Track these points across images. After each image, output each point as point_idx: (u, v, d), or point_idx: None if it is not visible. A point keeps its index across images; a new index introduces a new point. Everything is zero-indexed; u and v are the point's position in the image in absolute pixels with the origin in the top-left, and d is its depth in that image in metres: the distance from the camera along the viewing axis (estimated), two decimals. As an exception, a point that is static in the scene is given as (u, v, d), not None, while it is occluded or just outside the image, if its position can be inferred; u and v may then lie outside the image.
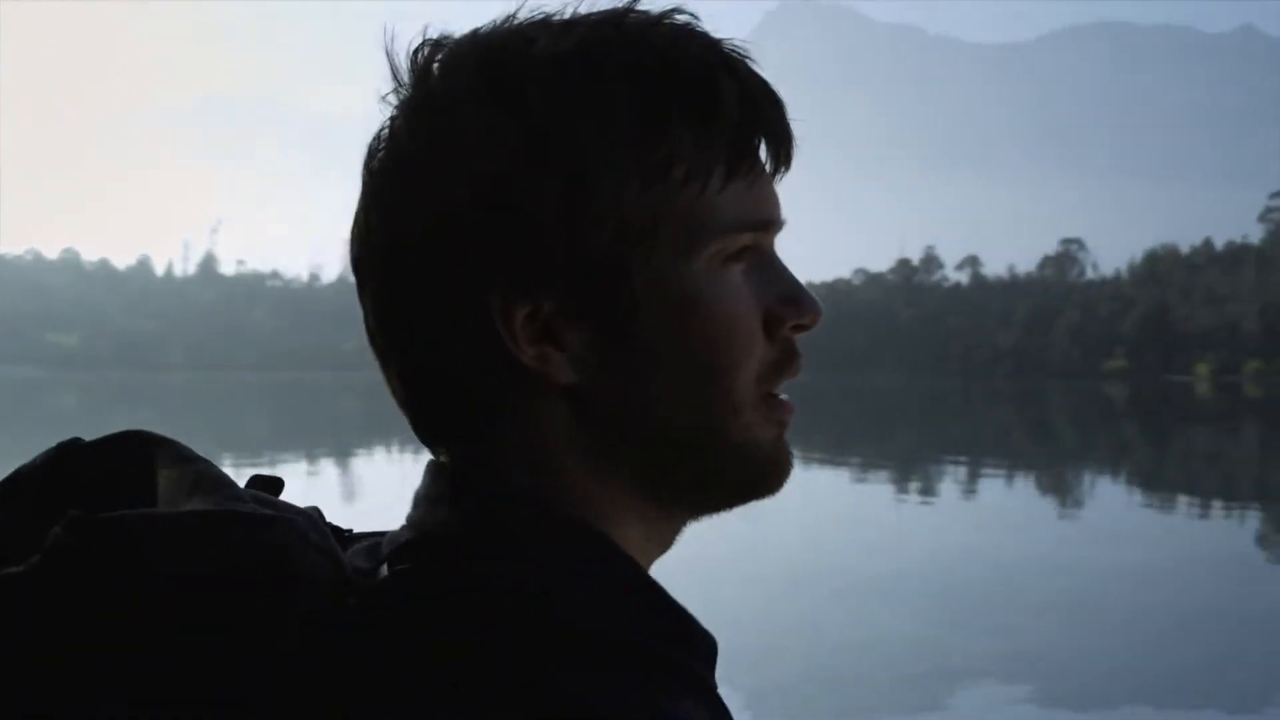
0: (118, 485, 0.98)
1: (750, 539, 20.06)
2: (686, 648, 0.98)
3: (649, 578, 1.00)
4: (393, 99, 1.01)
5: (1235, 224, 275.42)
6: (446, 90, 0.98)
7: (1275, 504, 28.69)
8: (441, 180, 0.96)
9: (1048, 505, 28.09)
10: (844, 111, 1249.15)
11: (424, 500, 1.02)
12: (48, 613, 0.85)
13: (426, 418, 1.03)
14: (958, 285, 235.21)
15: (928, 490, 30.20)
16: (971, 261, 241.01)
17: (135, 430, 1.04)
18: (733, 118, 0.98)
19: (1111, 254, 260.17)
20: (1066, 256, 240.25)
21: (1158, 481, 34.12)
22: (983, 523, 23.99)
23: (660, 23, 0.99)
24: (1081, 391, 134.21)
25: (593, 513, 0.99)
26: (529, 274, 0.96)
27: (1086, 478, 34.87)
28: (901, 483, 31.72)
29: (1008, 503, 27.99)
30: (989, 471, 35.46)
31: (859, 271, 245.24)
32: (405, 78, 1.01)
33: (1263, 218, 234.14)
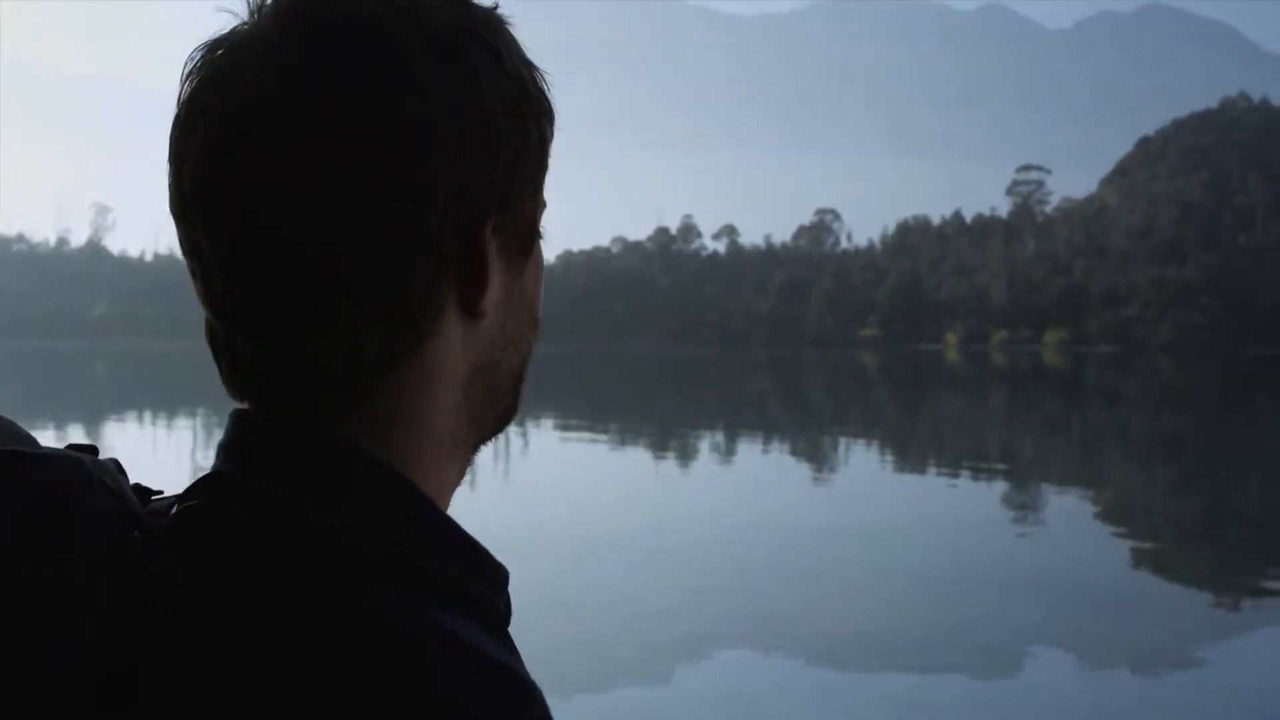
0: None
1: (514, 510, 19.90)
2: (472, 573, 1.03)
3: (440, 510, 1.04)
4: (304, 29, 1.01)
5: (984, 197, 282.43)
6: (434, 25, 1.02)
7: (1020, 469, 29.41)
8: (458, 110, 1.01)
9: (802, 471, 28.40)
10: (601, 82, 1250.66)
11: (228, 446, 1.05)
12: None
13: (311, 357, 1.02)
14: (715, 254, 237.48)
15: (685, 458, 30.33)
16: (729, 231, 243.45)
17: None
18: None
19: (865, 225, 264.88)
20: (821, 227, 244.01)
21: (909, 447, 34.76)
22: (739, 489, 24.16)
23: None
24: (836, 359, 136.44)
25: (440, 447, 1.08)
26: (509, 213, 1.06)
27: (841, 444, 35.35)
28: (659, 450, 31.82)
29: (764, 469, 28.23)
30: (745, 438, 35.79)
31: (617, 240, 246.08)
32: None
33: (1010, 191, 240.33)
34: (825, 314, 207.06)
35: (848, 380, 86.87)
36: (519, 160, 1.05)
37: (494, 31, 1.06)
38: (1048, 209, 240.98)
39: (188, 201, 1.01)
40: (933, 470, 28.48)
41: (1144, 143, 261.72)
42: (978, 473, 28.04)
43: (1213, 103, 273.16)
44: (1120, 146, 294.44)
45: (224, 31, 1.03)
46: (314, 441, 1.02)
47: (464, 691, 0.91)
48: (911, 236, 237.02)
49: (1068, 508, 22.44)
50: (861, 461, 30.94)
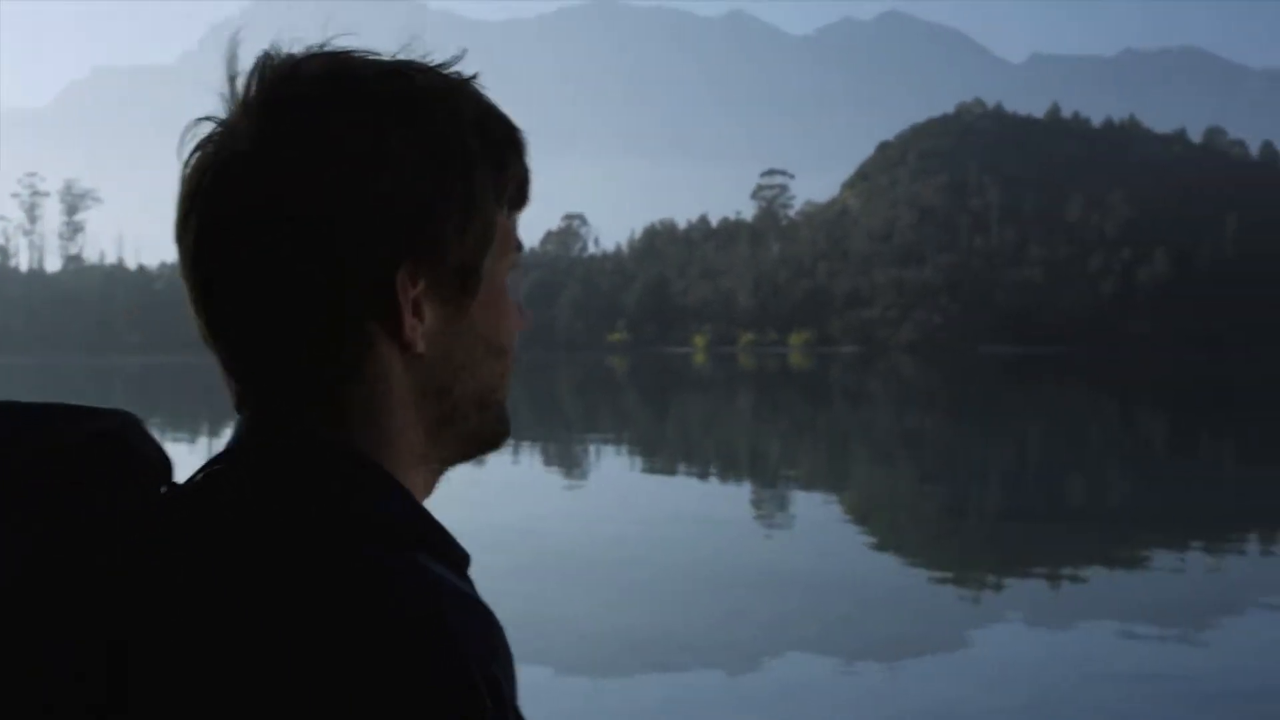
0: None
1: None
2: (442, 543, 1.20)
3: (417, 501, 1.22)
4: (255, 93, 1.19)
5: (729, 201, 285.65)
6: (355, 99, 1.19)
7: (768, 469, 29.72)
8: (365, 171, 1.16)
9: (554, 476, 28.33)
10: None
11: (242, 437, 1.20)
12: None
13: (274, 375, 1.19)
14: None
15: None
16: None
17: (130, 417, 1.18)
18: (528, 163, 1.28)
19: (613, 229, 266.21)
20: (569, 232, 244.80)
21: (658, 450, 34.89)
22: (490, 496, 24.01)
23: (473, 80, 1.26)
24: (585, 363, 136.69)
25: (398, 457, 1.22)
26: (426, 259, 1.18)
27: (591, 448, 35.34)
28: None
29: (515, 475, 28.08)
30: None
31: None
32: (272, 82, 1.19)
33: (755, 195, 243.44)
34: (574, 318, 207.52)
35: (597, 384, 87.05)
36: (430, 209, 1.18)
37: (414, 97, 1.20)
38: (791, 212, 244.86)
39: (184, 261, 1.20)
40: (683, 472, 28.63)
41: (884, 147, 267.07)
42: (727, 474, 28.30)
43: (949, 108, 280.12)
44: (861, 151, 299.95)
45: (219, 121, 1.20)
46: (301, 436, 1.18)
47: (445, 613, 1.06)
48: (658, 240, 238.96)
49: (815, 506, 22.72)
50: (612, 465, 30.96)
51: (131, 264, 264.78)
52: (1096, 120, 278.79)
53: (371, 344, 1.18)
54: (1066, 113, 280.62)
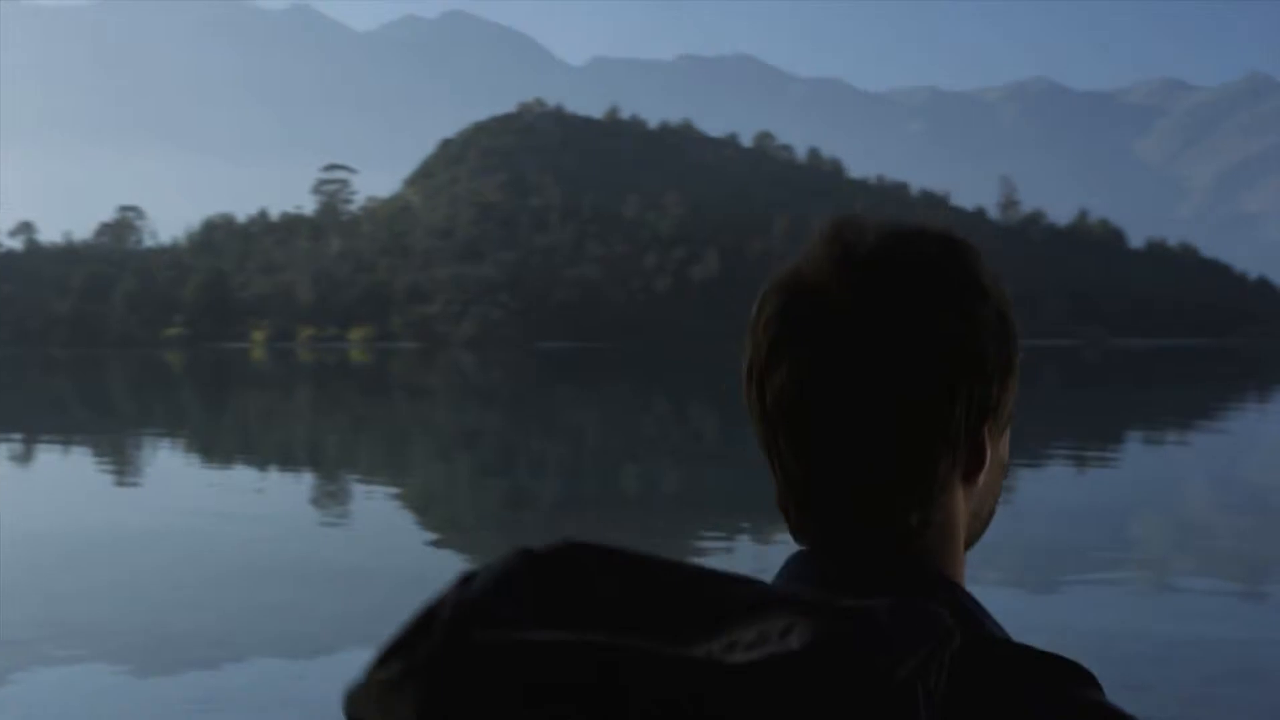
0: (571, 606, 1.03)
1: None
2: None
3: None
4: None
5: (290, 195, 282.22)
6: (939, 275, 1.32)
7: (325, 465, 29.51)
8: (965, 344, 1.31)
9: (105, 476, 27.52)
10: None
11: (843, 581, 1.30)
12: (817, 693, 0.96)
13: (864, 516, 1.33)
14: (11, 252, 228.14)
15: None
16: (26, 228, 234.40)
17: (578, 542, 1.11)
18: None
19: (171, 223, 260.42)
20: (124, 224, 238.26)
21: (216, 446, 34.30)
22: (37, 497, 23.22)
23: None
24: (140, 359, 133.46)
25: (955, 574, 1.38)
26: (1001, 413, 1.38)
27: (145, 445, 34.46)
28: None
29: (64, 475, 27.22)
30: (44, 443, 34.35)
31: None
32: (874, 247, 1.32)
33: (316, 189, 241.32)
34: (128, 313, 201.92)
35: (153, 380, 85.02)
36: (1008, 374, 1.36)
37: (980, 270, 1.36)
38: (353, 208, 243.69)
39: (771, 414, 1.34)
40: (238, 469, 28.19)
41: (446, 144, 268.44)
42: (284, 470, 27.99)
43: (511, 107, 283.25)
44: (424, 147, 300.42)
45: (796, 270, 1.34)
46: (925, 575, 1.33)
47: None
48: (217, 234, 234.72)
49: (375, 501, 22.67)
50: (164, 463, 30.27)
51: None
52: (653, 123, 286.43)
53: (954, 489, 1.35)
54: (625, 115, 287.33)
